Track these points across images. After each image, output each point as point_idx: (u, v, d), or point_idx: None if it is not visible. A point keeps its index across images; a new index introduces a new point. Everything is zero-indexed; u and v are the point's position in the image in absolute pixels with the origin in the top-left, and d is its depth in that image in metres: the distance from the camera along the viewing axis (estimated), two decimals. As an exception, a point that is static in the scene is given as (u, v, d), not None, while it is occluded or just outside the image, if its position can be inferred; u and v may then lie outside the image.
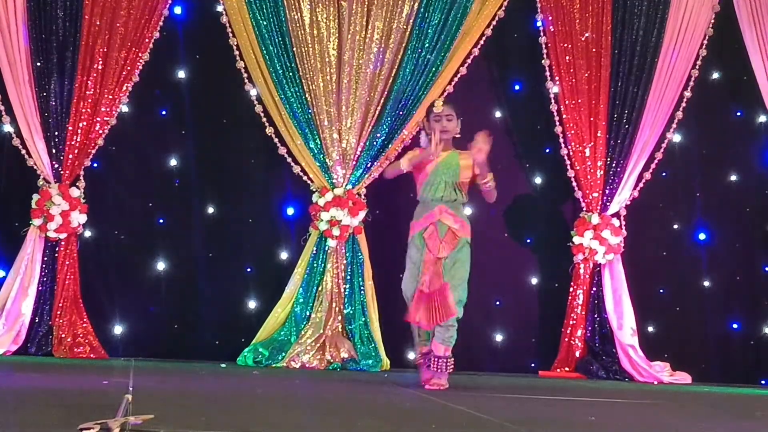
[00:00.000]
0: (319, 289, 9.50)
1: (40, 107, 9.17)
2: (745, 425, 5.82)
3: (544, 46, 10.01)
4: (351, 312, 9.49)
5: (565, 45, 10.02)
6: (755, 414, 6.75)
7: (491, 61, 10.17)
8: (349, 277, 9.55)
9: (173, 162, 9.75)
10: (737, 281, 10.48)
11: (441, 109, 7.36)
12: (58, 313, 9.09)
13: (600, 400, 7.18)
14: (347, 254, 9.58)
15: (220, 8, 9.61)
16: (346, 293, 9.53)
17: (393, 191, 9.49)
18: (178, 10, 9.70)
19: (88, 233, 9.43)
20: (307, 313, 9.44)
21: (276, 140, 9.56)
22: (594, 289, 10.03)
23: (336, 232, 9.49)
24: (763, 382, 10.24)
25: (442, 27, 9.72)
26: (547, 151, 10.22)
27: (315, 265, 9.54)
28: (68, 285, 9.16)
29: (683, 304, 10.39)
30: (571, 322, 9.97)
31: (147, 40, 9.38)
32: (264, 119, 9.55)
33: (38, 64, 9.19)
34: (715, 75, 10.47)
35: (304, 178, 9.59)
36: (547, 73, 9.99)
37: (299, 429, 4.36)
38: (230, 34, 9.54)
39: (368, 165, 9.63)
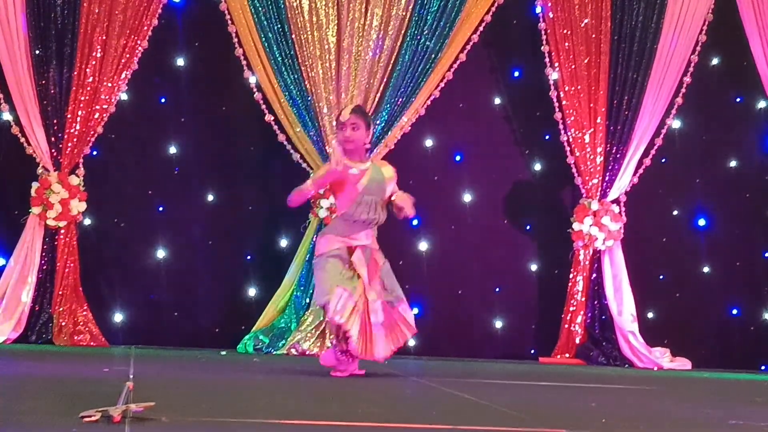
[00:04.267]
0: (319, 276, 9.48)
1: (39, 95, 9.15)
2: (745, 410, 5.83)
3: (543, 32, 9.99)
4: (351, 299, 9.47)
5: (565, 31, 10.00)
6: (755, 399, 6.75)
7: (490, 48, 10.15)
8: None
9: (172, 150, 9.75)
10: (737, 267, 10.48)
11: (347, 118, 6.77)
12: (59, 301, 9.09)
13: (600, 386, 7.19)
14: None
15: (218, -5, 9.59)
16: (346, 280, 9.51)
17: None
18: (176, -3, 9.70)
19: (87, 221, 9.42)
20: (307, 301, 9.44)
21: (275, 127, 9.55)
22: (594, 275, 10.03)
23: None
24: (762, 367, 10.24)
25: (441, 13, 9.70)
26: (547, 137, 10.21)
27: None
28: (68, 273, 9.16)
29: (683, 290, 10.39)
30: (571, 309, 9.98)
31: (146, 28, 9.36)
32: (263, 106, 9.54)
33: (37, 52, 9.17)
34: (715, 61, 10.45)
35: (304, 165, 9.58)
36: (547, 60, 9.98)
37: (300, 416, 4.36)
38: (229, 21, 9.52)
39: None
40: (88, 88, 9.22)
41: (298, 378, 6.91)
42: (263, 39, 9.52)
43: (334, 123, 7.06)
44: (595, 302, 9.99)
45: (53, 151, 9.16)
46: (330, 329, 7.05)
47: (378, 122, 9.61)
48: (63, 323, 9.05)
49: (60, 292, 9.11)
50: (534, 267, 10.29)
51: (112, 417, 3.75)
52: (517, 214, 10.29)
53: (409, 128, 9.66)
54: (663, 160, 10.24)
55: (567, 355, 9.91)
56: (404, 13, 9.65)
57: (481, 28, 9.84)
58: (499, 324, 10.14)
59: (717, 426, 4.92)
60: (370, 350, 6.61)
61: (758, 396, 7.10)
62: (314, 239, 9.51)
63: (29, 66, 9.12)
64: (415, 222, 9.67)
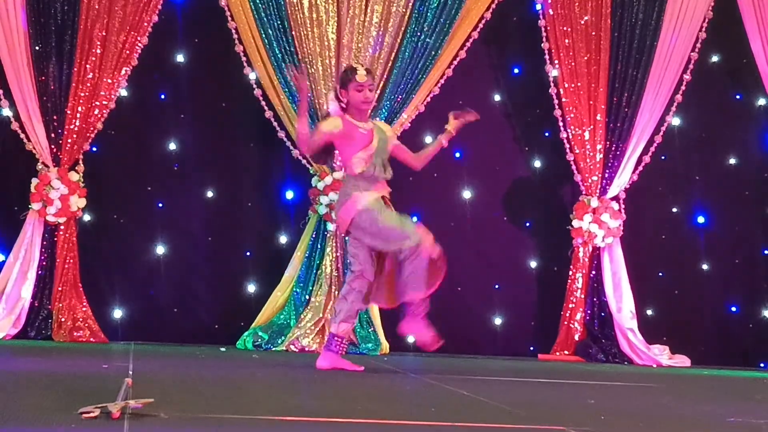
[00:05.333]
0: (319, 272, 9.50)
1: (39, 91, 9.14)
2: (744, 408, 5.83)
3: (543, 29, 9.99)
4: (350, 295, 9.48)
5: (565, 28, 10.00)
6: (754, 397, 6.76)
7: (490, 45, 10.15)
8: (348, 261, 9.55)
9: (172, 146, 9.74)
10: (736, 264, 10.49)
11: (365, 79, 7.02)
12: (58, 297, 9.09)
13: (599, 383, 7.20)
14: (346, 238, 9.58)
15: (218, -9, 9.58)
16: (346, 277, 9.52)
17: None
18: (176, -7, 9.69)
19: (87, 217, 9.43)
20: (307, 297, 9.44)
21: (275, 124, 9.55)
22: (593, 272, 10.03)
23: (335, 215, 9.47)
24: (762, 365, 10.25)
25: (441, 10, 9.70)
26: (547, 134, 10.22)
27: (314, 248, 9.54)
28: (68, 269, 9.15)
29: (682, 288, 10.40)
30: (570, 306, 9.98)
31: (146, 24, 9.34)
32: (263, 103, 9.53)
33: (37, 47, 9.16)
34: (715, 58, 10.45)
35: (303, 161, 9.58)
36: (547, 57, 9.98)
37: (299, 412, 4.37)
38: (229, 18, 9.51)
39: (367, 148, 9.60)
40: (88, 84, 9.20)
41: (297, 374, 6.93)
42: (263, 35, 9.52)
43: (342, 80, 7.15)
44: (595, 299, 10.00)
45: (53, 147, 9.15)
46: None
47: (378, 119, 9.61)
48: (62, 319, 9.04)
49: (59, 288, 9.11)
50: (533, 264, 10.29)
51: (111, 413, 3.75)
52: (517, 210, 10.29)
53: (409, 125, 9.66)
54: (663, 158, 10.24)
55: (566, 352, 9.91)
56: (404, 10, 9.64)
57: (481, 25, 9.84)
58: (498, 321, 10.14)
59: (716, 423, 4.93)
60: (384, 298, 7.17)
61: (757, 393, 7.11)
62: (313, 235, 9.53)
63: (29, 62, 9.11)
64: (414, 219, 9.67)
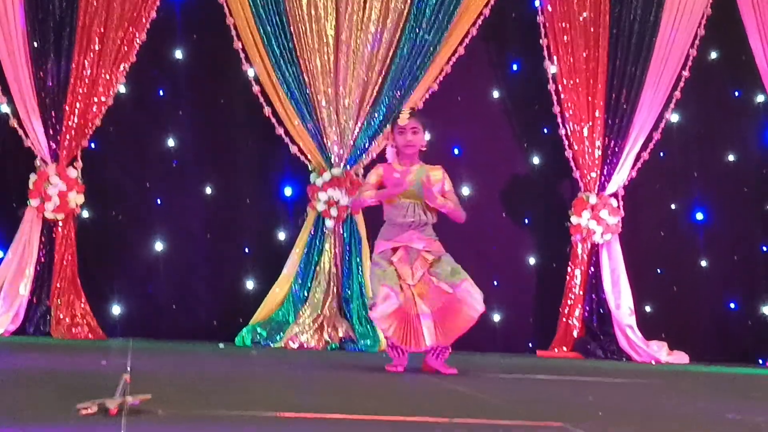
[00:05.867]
0: (317, 269, 9.50)
1: (37, 88, 9.14)
2: (743, 405, 5.83)
3: (541, 25, 9.99)
4: (349, 292, 9.50)
5: (563, 24, 10.00)
6: (753, 394, 6.76)
7: (489, 41, 10.15)
8: (347, 258, 9.56)
9: (170, 142, 9.74)
10: (735, 261, 10.50)
11: (406, 122, 6.83)
12: (56, 293, 9.08)
13: (597, 380, 7.19)
14: (345, 235, 9.58)
15: (217, -12, 9.58)
16: (344, 274, 9.54)
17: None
18: (175, -11, 9.69)
19: (85, 214, 9.42)
20: (305, 294, 9.44)
21: (273, 120, 9.54)
22: (592, 269, 10.04)
23: (334, 212, 9.49)
24: (760, 361, 10.25)
25: (439, 7, 9.69)
26: (545, 131, 10.22)
27: (313, 245, 9.54)
28: (66, 265, 9.15)
29: (681, 284, 10.41)
30: (568, 302, 9.99)
31: (144, 20, 9.34)
32: (261, 99, 9.53)
33: (35, 44, 9.16)
34: (714, 55, 10.46)
35: (302, 158, 9.58)
36: (545, 53, 9.98)
37: (297, 409, 4.36)
38: (227, 14, 9.51)
39: (366, 145, 9.62)
40: (86, 81, 9.21)
41: (296, 371, 6.92)
42: (261, 32, 9.51)
43: (391, 125, 7.00)
44: (593, 296, 10.01)
45: (51, 143, 9.15)
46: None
47: (376, 115, 9.61)
48: (61, 316, 9.04)
49: (58, 285, 9.11)
50: (532, 261, 10.30)
51: (109, 409, 3.75)
52: (516, 207, 10.30)
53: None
54: (661, 154, 10.25)
55: (564, 348, 9.92)
56: (402, 7, 9.64)
57: (479, 22, 9.84)
58: (497, 317, 10.14)
59: (714, 420, 4.92)
60: (417, 342, 6.61)
61: (756, 391, 7.11)
62: (311, 232, 9.54)
63: (27, 58, 9.11)
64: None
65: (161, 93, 9.80)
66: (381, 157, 9.48)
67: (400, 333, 6.61)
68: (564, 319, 9.99)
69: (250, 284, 9.77)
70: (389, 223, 6.90)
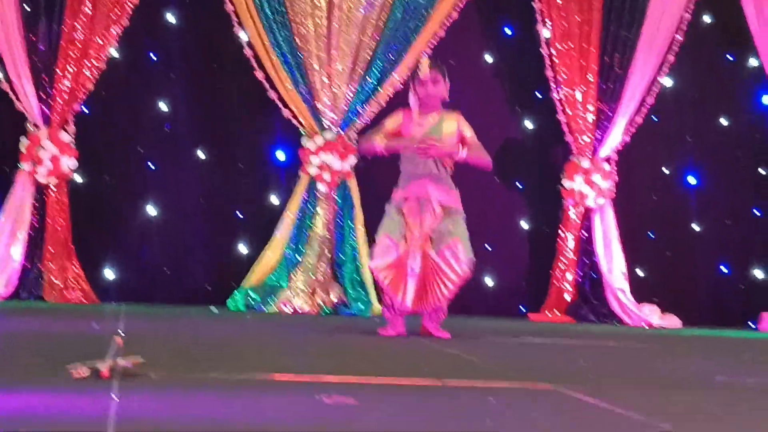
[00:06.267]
0: (310, 233, 9.50)
1: (29, 51, 9.09)
2: (733, 367, 5.86)
3: (535, -12, 9.95)
4: (342, 257, 9.51)
5: (557, -12, 9.96)
6: (744, 356, 6.79)
7: (482, 5, 10.11)
8: (339, 222, 9.56)
9: (163, 107, 9.72)
10: (727, 225, 10.51)
11: (426, 74, 6.80)
12: (49, 258, 9.08)
13: (589, 343, 7.22)
14: (338, 199, 9.58)
15: (209, -50, 9.52)
16: (337, 238, 9.54)
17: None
18: (166, -48, 9.63)
19: (78, 178, 9.41)
20: (298, 258, 9.45)
21: (266, 84, 9.51)
22: (584, 233, 10.05)
23: (326, 176, 9.48)
24: (751, 324, 10.28)
25: (433, -30, 9.64)
26: (538, 95, 10.20)
27: (305, 210, 9.53)
28: (59, 230, 9.14)
29: (673, 248, 10.43)
30: (560, 266, 10.00)
31: (136, -17, 9.29)
32: (254, 63, 9.49)
33: (26, 6, 9.10)
34: (707, 19, 10.43)
35: (294, 122, 9.56)
36: (538, 17, 9.94)
37: (290, 372, 4.38)
38: (219, -23, 9.46)
39: (359, 109, 9.60)
40: (78, 44, 9.15)
41: (289, 334, 6.94)
42: (254, -5, 9.46)
43: (411, 75, 7.04)
44: (585, 260, 10.02)
45: (43, 107, 9.12)
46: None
47: (369, 79, 9.58)
48: (54, 280, 9.04)
49: (51, 249, 9.10)
50: (525, 225, 10.31)
51: (101, 372, 3.76)
52: (508, 171, 10.28)
53: (401, 86, 9.62)
54: (654, 118, 10.24)
55: (556, 312, 9.94)
56: (396, -30, 9.59)
57: (473, -15, 9.80)
58: (489, 281, 10.16)
59: (704, 382, 4.95)
60: (404, 297, 6.64)
61: (747, 353, 7.14)
62: (304, 196, 9.53)
63: (18, 21, 9.05)
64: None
65: (153, 57, 9.76)
66: (374, 121, 9.48)
67: (394, 285, 6.65)
68: (556, 283, 10.01)
69: (242, 248, 9.77)
70: (403, 172, 6.92)
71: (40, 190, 9.16)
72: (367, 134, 7.13)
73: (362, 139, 7.25)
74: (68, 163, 9.13)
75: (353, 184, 9.59)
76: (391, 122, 6.95)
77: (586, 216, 10.07)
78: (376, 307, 9.38)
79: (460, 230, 6.86)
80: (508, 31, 10.32)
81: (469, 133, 6.97)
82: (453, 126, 6.91)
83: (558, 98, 9.97)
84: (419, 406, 3.65)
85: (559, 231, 10.07)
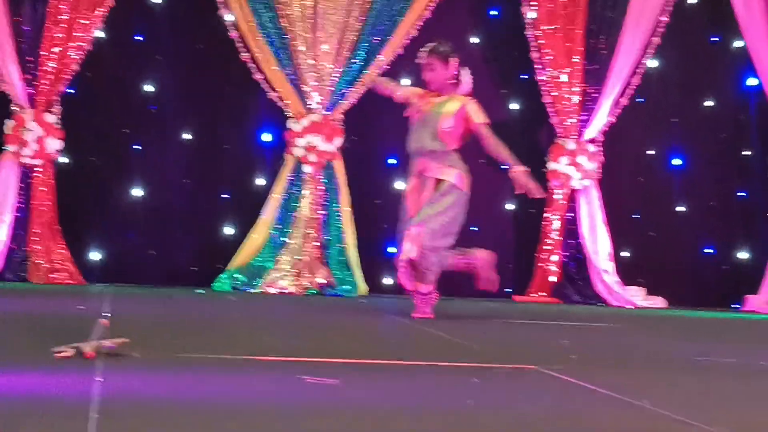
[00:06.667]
0: (296, 215, 9.51)
1: (13, 31, 9.05)
2: (714, 347, 5.90)
3: (520, -30, 9.95)
4: (328, 238, 9.52)
5: (542, -32, 9.96)
6: (726, 337, 6.83)
7: (468, -14, 10.11)
8: (325, 204, 9.57)
9: (149, 88, 9.70)
10: (711, 207, 10.55)
11: (422, 60, 6.99)
12: (35, 239, 9.07)
13: (573, 324, 7.25)
14: (324, 180, 9.59)
15: (194, -68, 9.50)
16: (323, 219, 9.55)
17: (370, 117, 9.49)
18: (152, -67, 9.60)
19: (64, 159, 9.39)
20: (284, 239, 9.46)
21: (251, 66, 9.50)
22: (569, 214, 10.07)
23: (312, 158, 9.48)
24: (735, 306, 10.33)
25: (418, -50, 9.63)
26: (524, 77, 10.21)
27: (291, 191, 9.54)
28: (44, 211, 9.12)
29: (658, 230, 10.46)
30: (546, 248, 10.03)
31: (121, -36, 9.26)
32: (239, 45, 9.48)
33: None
34: (693, 0, 10.44)
35: (280, 104, 9.55)
36: (524, -2, 9.95)
37: (275, 353, 4.40)
38: (205, -42, 9.44)
39: (344, 91, 9.59)
40: (63, 25, 9.12)
41: (275, 315, 6.96)
42: (239, -24, 9.44)
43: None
44: (571, 241, 10.05)
45: (28, 88, 9.09)
46: None
47: (355, 60, 9.57)
48: (39, 261, 9.04)
49: (36, 231, 9.09)
50: (510, 206, 10.33)
51: (85, 353, 3.78)
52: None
53: (387, 67, 9.62)
54: (640, 100, 10.25)
55: (542, 293, 9.98)
56: (381, -49, 9.58)
57: (459, -34, 9.79)
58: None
59: (683, 362, 4.99)
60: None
61: (729, 334, 7.19)
62: (290, 178, 9.53)
63: (3, 2, 9.01)
64: (392, 161, 9.71)
65: (139, 38, 9.74)
66: (361, 103, 9.49)
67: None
68: (541, 265, 10.04)
69: (228, 230, 9.78)
70: (410, 153, 7.04)
71: (26, 172, 9.14)
72: (385, 80, 7.35)
73: (382, 79, 7.46)
74: (54, 144, 9.11)
75: (339, 166, 9.59)
76: (411, 88, 7.25)
77: (572, 197, 10.09)
78: (362, 287, 9.41)
79: (437, 211, 6.81)
80: (494, 13, 10.32)
81: (477, 119, 6.93)
82: (454, 107, 6.92)
83: (543, 80, 9.98)
84: (402, 386, 3.68)
85: (545, 213, 10.09)
